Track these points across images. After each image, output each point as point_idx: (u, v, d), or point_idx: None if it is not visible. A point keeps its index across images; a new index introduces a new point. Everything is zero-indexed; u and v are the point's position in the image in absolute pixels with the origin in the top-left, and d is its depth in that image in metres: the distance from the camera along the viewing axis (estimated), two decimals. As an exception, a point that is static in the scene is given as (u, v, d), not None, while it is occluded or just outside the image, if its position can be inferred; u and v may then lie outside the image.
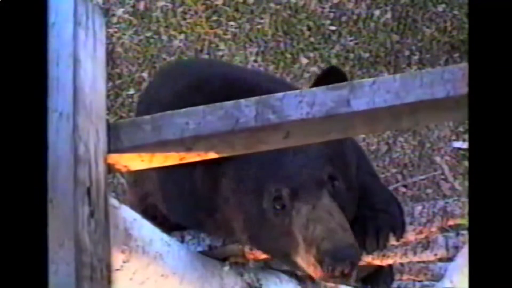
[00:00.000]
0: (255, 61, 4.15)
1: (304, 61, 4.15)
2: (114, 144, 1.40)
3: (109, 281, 1.33)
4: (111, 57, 4.07)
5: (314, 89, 1.37)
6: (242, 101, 1.38)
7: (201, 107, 1.40)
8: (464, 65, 1.30)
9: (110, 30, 4.15)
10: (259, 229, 1.86)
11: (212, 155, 1.42)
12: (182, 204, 2.01)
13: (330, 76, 1.72)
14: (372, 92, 1.33)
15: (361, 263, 2.03)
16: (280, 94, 1.37)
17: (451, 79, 1.31)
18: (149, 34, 4.21)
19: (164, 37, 4.20)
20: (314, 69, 4.12)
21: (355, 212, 1.94)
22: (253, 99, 1.37)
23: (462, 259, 2.10)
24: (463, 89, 1.29)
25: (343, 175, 1.88)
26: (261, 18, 4.23)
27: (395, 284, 2.47)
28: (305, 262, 1.80)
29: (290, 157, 1.81)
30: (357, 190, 1.96)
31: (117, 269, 1.57)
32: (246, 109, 1.38)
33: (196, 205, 1.96)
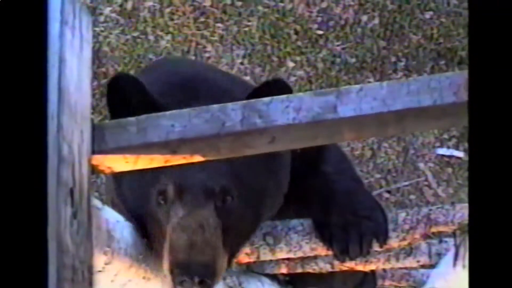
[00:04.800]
0: (242, 63, 4.14)
1: (291, 64, 4.15)
2: (99, 145, 1.39)
3: (91, 283, 1.32)
4: (97, 56, 4.05)
5: (301, 94, 1.37)
6: (229, 104, 1.37)
7: (186, 110, 1.39)
8: (451, 73, 1.31)
9: (97, 29, 4.13)
10: (144, 221, 1.82)
11: (198, 158, 1.41)
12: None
13: (273, 88, 1.63)
14: (359, 98, 1.33)
15: (345, 269, 2.03)
16: (267, 99, 1.36)
17: (438, 87, 1.31)
18: (136, 33, 4.19)
19: (151, 37, 4.18)
20: (301, 73, 4.12)
21: (251, 236, 1.90)
22: (240, 103, 1.37)
23: (445, 266, 2.11)
24: (450, 98, 1.30)
25: (247, 194, 1.82)
26: (249, 21, 4.22)
27: (377, 290, 2.47)
28: (164, 266, 1.76)
29: (189, 166, 1.67)
30: (261, 218, 1.90)
31: (99, 271, 1.56)
32: (232, 112, 1.37)
33: None
